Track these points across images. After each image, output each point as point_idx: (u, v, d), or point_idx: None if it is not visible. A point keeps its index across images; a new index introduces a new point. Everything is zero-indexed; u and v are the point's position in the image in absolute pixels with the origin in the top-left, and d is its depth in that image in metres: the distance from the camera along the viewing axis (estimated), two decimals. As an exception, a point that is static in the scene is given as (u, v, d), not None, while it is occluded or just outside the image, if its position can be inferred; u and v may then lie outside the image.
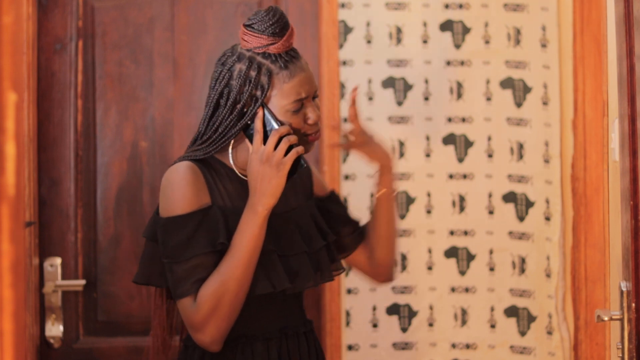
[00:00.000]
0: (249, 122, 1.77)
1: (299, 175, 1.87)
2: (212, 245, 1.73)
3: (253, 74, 1.76)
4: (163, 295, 1.85)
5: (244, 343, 1.80)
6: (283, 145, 1.72)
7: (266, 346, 1.81)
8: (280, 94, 1.76)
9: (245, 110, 1.77)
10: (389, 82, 2.70)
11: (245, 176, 1.80)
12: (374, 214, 1.98)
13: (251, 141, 1.77)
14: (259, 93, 1.76)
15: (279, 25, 1.76)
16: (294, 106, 1.76)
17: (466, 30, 2.70)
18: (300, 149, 1.74)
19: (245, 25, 1.78)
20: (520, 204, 2.68)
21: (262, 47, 1.76)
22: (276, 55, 1.76)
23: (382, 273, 2.02)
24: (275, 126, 1.75)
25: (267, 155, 1.72)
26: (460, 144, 2.71)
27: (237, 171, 1.82)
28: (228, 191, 1.80)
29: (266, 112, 1.76)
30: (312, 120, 1.78)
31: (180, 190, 1.75)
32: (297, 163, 1.75)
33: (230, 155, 1.81)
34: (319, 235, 1.88)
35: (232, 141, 1.80)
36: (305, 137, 1.79)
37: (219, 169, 1.82)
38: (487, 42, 2.70)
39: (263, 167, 1.72)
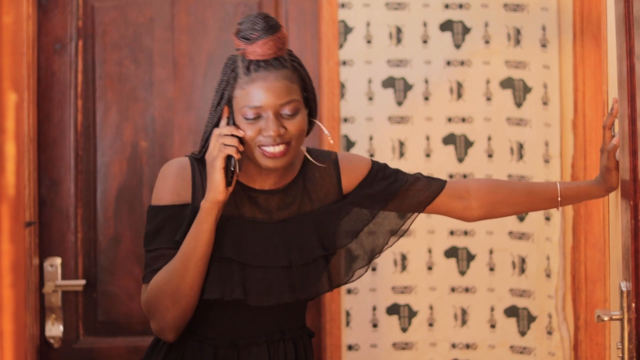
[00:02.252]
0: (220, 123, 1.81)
1: (320, 178, 1.87)
2: (174, 242, 1.78)
3: (225, 73, 1.80)
4: None
5: (192, 341, 1.82)
6: (213, 142, 1.75)
7: (214, 352, 1.81)
8: (239, 98, 1.77)
9: (218, 108, 1.81)
10: (389, 82, 2.70)
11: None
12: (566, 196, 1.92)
13: None
14: (225, 94, 1.79)
15: (255, 30, 1.77)
16: (248, 113, 1.76)
17: (466, 30, 2.70)
18: (229, 149, 1.74)
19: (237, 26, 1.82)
20: (520, 204, 2.68)
21: (240, 50, 1.79)
22: (251, 60, 1.77)
23: (479, 218, 1.95)
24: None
25: (208, 154, 1.76)
26: (460, 144, 2.71)
27: None
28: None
29: (230, 112, 1.78)
30: (267, 133, 1.75)
31: (162, 182, 1.82)
32: (233, 172, 1.76)
33: None
34: (317, 245, 1.83)
35: None
36: (257, 148, 1.77)
37: None
38: (487, 42, 2.70)
39: (207, 165, 1.77)
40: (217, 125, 1.80)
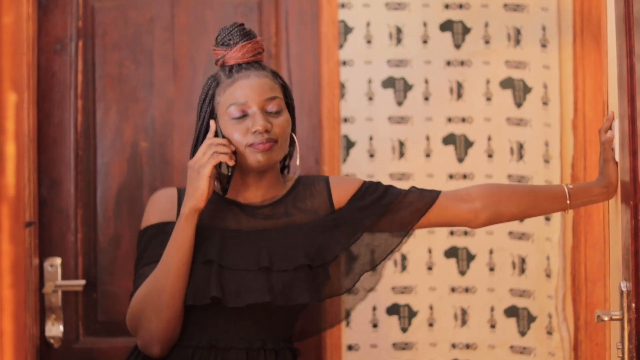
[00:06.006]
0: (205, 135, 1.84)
1: (310, 195, 1.88)
2: (157, 257, 1.79)
3: (204, 87, 1.84)
4: None
5: (175, 350, 1.82)
6: (204, 150, 1.76)
7: (191, 353, 1.81)
8: (223, 102, 1.81)
9: (203, 120, 1.84)
10: (389, 82, 2.70)
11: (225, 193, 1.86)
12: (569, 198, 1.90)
13: None
14: (206, 103, 1.83)
15: (232, 36, 1.82)
16: (234, 111, 1.78)
17: (466, 30, 2.70)
18: (222, 157, 1.75)
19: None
20: (520, 204, 2.68)
21: (220, 59, 1.83)
22: (231, 65, 1.82)
23: (485, 225, 1.95)
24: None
25: (194, 160, 1.77)
26: (460, 144, 2.71)
27: (215, 190, 1.87)
28: (202, 210, 1.81)
29: (217, 124, 1.81)
30: (254, 128, 1.77)
31: (147, 209, 1.88)
32: (229, 177, 1.78)
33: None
34: (302, 254, 1.81)
35: None
36: (249, 147, 1.79)
37: (214, 195, 1.88)
38: (487, 42, 2.70)
39: (190, 172, 1.77)
40: (198, 141, 1.84)
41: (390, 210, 1.88)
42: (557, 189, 1.91)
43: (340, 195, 1.91)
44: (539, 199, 1.92)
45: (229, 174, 1.77)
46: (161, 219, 1.83)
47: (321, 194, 1.90)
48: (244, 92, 1.79)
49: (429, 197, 1.89)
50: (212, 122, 1.81)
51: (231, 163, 1.76)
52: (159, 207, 1.85)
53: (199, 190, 1.75)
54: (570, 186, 1.91)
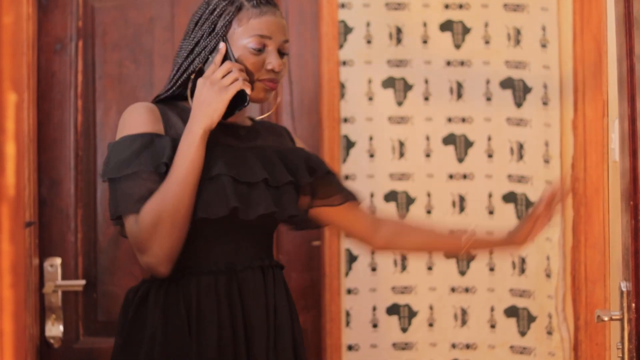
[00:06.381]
0: (209, 55, 1.81)
1: (275, 131, 1.96)
2: (155, 166, 1.74)
3: (224, 3, 1.82)
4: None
5: (189, 275, 1.79)
6: (232, 74, 1.76)
7: (214, 280, 1.79)
8: (244, 29, 1.80)
9: (209, 39, 1.81)
10: (389, 82, 2.70)
11: None
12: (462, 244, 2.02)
13: None
14: (222, 22, 1.81)
15: None
16: (255, 42, 1.80)
17: (466, 30, 2.70)
18: (246, 84, 1.77)
19: None
20: (520, 204, 2.68)
21: None
22: None
23: (383, 247, 2.07)
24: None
25: (213, 80, 1.76)
26: (460, 144, 2.71)
27: None
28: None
29: (228, 48, 1.79)
30: (271, 65, 1.81)
31: (132, 116, 1.79)
32: (243, 99, 1.78)
33: (189, 97, 1.84)
34: (286, 172, 1.88)
35: (190, 84, 1.84)
36: (259, 82, 1.82)
37: (180, 111, 1.84)
38: (487, 42, 2.70)
39: (207, 91, 1.76)
40: (203, 59, 1.82)
41: (321, 178, 1.96)
42: (455, 241, 2.03)
43: (299, 144, 2.02)
44: (436, 243, 2.08)
45: (246, 103, 1.78)
46: (148, 129, 1.77)
47: (285, 136, 2.00)
48: (271, 28, 1.81)
49: (351, 195, 2.01)
50: (222, 44, 1.80)
51: (250, 92, 1.79)
52: (143, 117, 1.78)
53: (218, 111, 1.75)
54: (474, 237, 2.02)
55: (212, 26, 1.82)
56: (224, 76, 1.76)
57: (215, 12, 1.82)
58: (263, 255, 1.87)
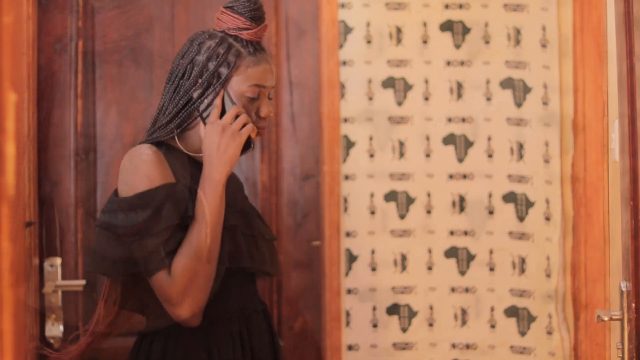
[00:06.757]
0: (205, 99, 1.81)
1: (235, 181, 1.97)
2: (180, 218, 1.74)
3: (221, 51, 1.81)
4: (116, 286, 1.85)
5: (207, 324, 1.80)
6: (241, 119, 1.78)
7: (228, 327, 1.83)
8: (242, 78, 1.81)
9: (206, 85, 1.81)
10: (389, 82, 2.70)
11: (200, 158, 1.84)
12: None
13: (204, 122, 1.81)
14: (223, 70, 1.81)
15: (258, 14, 1.84)
16: (253, 92, 1.81)
17: (466, 30, 2.70)
18: (254, 131, 1.80)
19: (225, 7, 1.84)
20: (520, 204, 2.68)
21: (236, 30, 1.82)
22: (246, 41, 1.82)
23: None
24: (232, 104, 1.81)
25: (224, 126, 1.77)
26: (460, 144, 2.71)
27: (191, 154, 1.85)
28: (187, 173, 1.82)
29: (226, 92, 1.81)
30: (264, 113, 1.83)
31: (145, 168, 1.75)
32: (248, 143, 1.81)
33: (177, 139, 1.84)
34: (269, 229, 1.96)
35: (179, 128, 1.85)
36: None
37: (175, 153, 1.84)
38: (487, 42, 2.70)
39: (220, 137, 1.77)
40: (200, 103, 1.82)
41: None
42: None
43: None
44: None
45: (252, 147, 1.82)
46: (166, 180, 1.76)
47: (243, 191, 2.02)
48: (265, 77, 1.83)
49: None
50: (220, 91, 1.81)
51: (254, 135, 1.82)
52: (159, 167, 1.76)
53: (235, 157, 1.78)
54: None
55: (215, 73, 1.81)
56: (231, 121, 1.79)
57: (214, 60, 1.80)
58: (258, 297, 1.94)
